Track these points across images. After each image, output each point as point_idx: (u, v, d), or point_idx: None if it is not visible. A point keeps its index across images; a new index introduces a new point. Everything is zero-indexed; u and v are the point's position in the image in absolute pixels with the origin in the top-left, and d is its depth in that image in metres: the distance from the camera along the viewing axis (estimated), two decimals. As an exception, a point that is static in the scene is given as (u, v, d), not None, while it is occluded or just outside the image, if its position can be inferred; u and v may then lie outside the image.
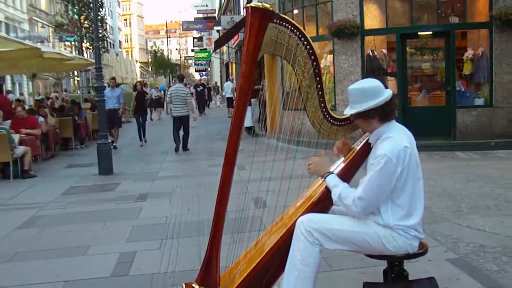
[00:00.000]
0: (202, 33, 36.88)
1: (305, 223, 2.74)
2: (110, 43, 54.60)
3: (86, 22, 31.73)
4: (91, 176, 8.96)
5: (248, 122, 11.95)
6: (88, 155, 11.50)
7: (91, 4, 24.39)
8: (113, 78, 14.09)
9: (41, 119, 11.04)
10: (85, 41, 32.10)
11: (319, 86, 2.86)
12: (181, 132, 11.69)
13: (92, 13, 22.80)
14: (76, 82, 38.19)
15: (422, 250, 2.81)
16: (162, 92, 29.51)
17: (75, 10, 31.91)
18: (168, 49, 67.78)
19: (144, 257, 4.50)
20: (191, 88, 26.09)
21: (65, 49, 33.37)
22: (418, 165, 2.74)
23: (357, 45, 10.59)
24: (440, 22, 10.52)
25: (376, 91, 2.73)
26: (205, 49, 37.53)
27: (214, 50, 29.38)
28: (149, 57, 76.61)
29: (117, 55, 40.03)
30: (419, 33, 10.70)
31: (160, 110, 24.61)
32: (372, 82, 2.78)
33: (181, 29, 46.06)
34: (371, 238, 2.69)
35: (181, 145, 11.64)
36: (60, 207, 6.73)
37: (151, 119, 21.46)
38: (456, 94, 10.18)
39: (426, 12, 10.86)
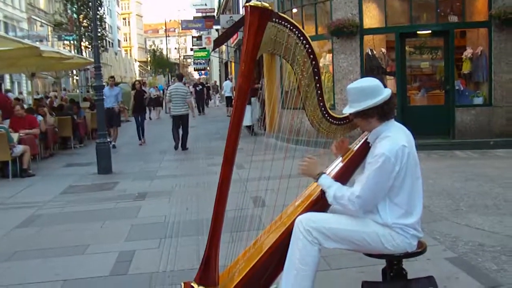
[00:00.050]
0: (201, 32, 36.83)
1: (304, 222, 2.74)
2: (109, 42, 54.48)
3: (85, 21, 31.67)
4: (90, 175, 8.95)
5: (247, 120, 11.95)
6: (87, 154, 11.48)
7: (90, 3, 24.33)
8: (112, 77, 14.13)
9: (40, 118, 11.04)
10: (84, 40, 32.02)
11: (318, 85, 2.86)
12: (180, 131, 11.70)
13: (91, 12, 22.72)
14: (75, 81, 38.16)
15: (421, 249, 2.81)
16: (161, 91, 29.51)
17: (74, 9, 31.84)
18: (167, 48, 67.75)
19: (143, 256, 4.50)
20: (190, 87, 26.05)
21: (64, 48, 33.34)
22: (416, 164, 2.75)
23: (356, 44, 10.59)
24: (439, 21, 10.52)
25: (375, 90, 2.73)
26: (204, 48, 37.47)
27: (213, 49, 29.32)
28: (148, 56, 76.62)
29: (116, 54, 40.06)
30: (418, 32, 10.72)
31: (159, 109, 24.56)
32: (371, 81, 2.78)
33: (180, 28, 46.13)
34: (370, 237, 2.70)
35: (180, 144, 11.66)
36: (59, 206, 6.73)
37: (149, 118, 21.44)
38: (455, 93, 10.19)
39: (425, 11, 10.87)
